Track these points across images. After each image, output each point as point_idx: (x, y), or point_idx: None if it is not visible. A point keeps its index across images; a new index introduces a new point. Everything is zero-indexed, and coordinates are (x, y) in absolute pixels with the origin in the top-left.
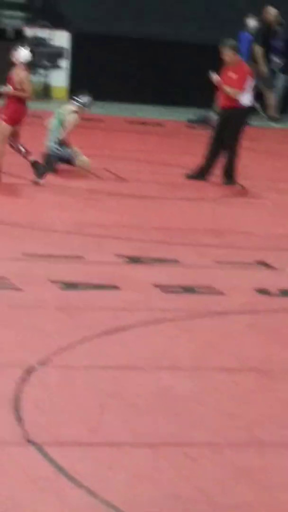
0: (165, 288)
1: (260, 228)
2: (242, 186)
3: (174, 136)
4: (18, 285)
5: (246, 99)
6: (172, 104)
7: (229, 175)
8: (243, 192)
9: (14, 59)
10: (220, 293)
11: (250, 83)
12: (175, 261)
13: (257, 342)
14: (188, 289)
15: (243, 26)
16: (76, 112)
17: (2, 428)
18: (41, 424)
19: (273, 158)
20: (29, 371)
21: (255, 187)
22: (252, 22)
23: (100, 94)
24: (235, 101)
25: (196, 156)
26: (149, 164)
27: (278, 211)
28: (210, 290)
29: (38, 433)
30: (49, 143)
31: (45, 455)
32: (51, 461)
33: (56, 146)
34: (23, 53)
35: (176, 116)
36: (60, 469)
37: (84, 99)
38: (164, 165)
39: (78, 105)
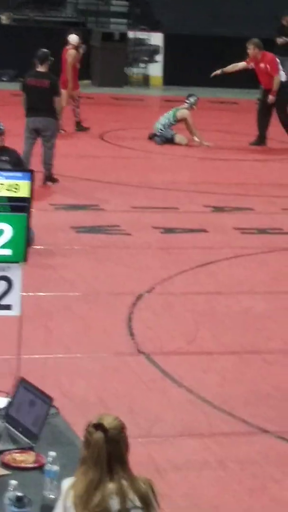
0: (243, 230)
1: None
2: None
3: (246, 112)
4: (128, 231)
5: (283, 76)
6: (244, 86)
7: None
8: None
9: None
10: (287, 233)
11: (277, 64)
12: (250, 209)
13: None
14: (262, 231)
15: None
16: (187, 109)
17: (118, 342)
18: (149, 338)
19: None
20: (138, 297)
21: None
22: None
23: (187, 80)
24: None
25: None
26: (228, 134)
27: None
28: (279, 231)
29: (147, 345)
30: (158, 125)
31: (153, 362)
32: (158, 367)
33: (162, 128)
34: (72, 37)
35: (247, 96)
36: (165, 373)
37: (192, 99)
38: (239, 135)
39: (188, 104)
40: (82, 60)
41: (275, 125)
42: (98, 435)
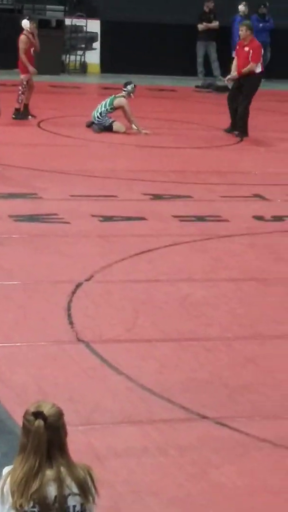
0: (182, 218)
1: (256, 168)
2: (238, 134)
3: (184, 99)
4: (66, 219)
5: (258, 67)
6: (183, 74)
7: (243, 129)
8: (239, 140)
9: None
10: (225, 220)
11: (261, 54)
12: (189, 197)
13: (255, 257)
14: (200, 218)
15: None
16: (124, 96)
17: (58, 330)
18: (88, 326)
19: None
20: (77, 286)
21: (250, 137)
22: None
23: (125, 68)
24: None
25: (202, 114)
26: (166, 122)
27: (270, 155)
28: (217, 219)
29: (86, 333)
30: (95, 113)
31: (92, 350)
32: (97, 354)
33: (99, 115)
34: (24, 22)
35: (186, 83)
36: (104, 360)
37: (129, 87)
38: (178, 122)
39: (126, 92)
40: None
41: (213, 112)
42: (38, 423)
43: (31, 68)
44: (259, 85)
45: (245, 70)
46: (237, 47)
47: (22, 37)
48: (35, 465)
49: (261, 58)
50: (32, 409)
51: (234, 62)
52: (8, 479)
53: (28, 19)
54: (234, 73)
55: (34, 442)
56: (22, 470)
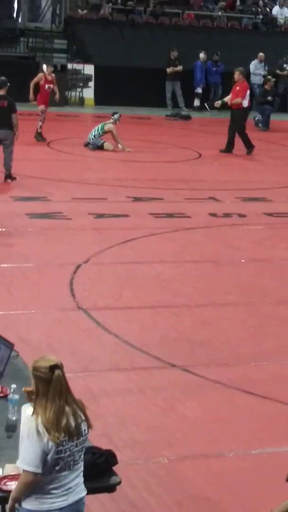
0: (156, 215)
1: (210, 177)
2: (248, 151)
3: (157, 125)
4: (69, 216)
5: (245, 102)
6: (155, 105)
7: (248, 144)
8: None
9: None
10: (188, 217)
11: (245, 92)
12: (161, 199)
13: (211, 245)
14: (170, 215)
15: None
16: (112, 123)
17: (63, 301)
18: (86, 297)
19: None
20: (77, 267)
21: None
22: (202, 55)
23: (113, 101)
24: (240, 104)
25: (171, 137)
26: (144, 142)
27: (221, 167)
28: (183, 215)
29: (84, 302)
30: (90, 136)
31: (89, 315)
32: (93, 319)
33: (93, 137)
34: (43, 66)
35: (158, 113)
36: (98, 323)
37: (116, 116)
38: (152, 142)
39: (113, 120)
40: (54, 84)
41: (179, 135)
42: (58, 372)
43: (31, 96)
44: (247, 115)
45: (234, 101)
46: (234, 86)
47: (39, 74)
48: (61, 405)
49: (246, 95)
50: (45, 364)
51: (229, 96)
52: (39, 420)
53: (45, 64)
54: (224, 100)
55: (57, 388)
56: (52, 410)
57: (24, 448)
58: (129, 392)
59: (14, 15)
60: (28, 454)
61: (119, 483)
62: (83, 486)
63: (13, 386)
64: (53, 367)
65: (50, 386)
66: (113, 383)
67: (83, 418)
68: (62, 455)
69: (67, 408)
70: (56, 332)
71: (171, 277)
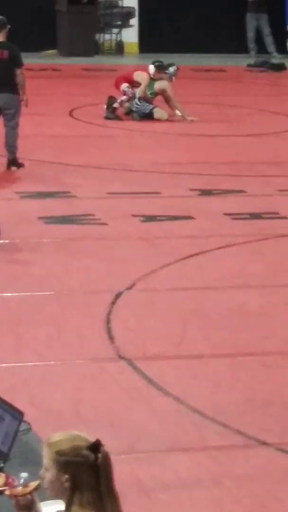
0: (234, 216)
1: None
2: None
3: (235, 80)
4: (104, 220)
5: None
6: (232, 51)
7: None
8: None
9: None
10: (284, 217)
11: None
12: (242, 192)
13: None
14: (255, 216)
15: None
16: (166, 80)
17: (96, 346)
18: (130, 341)
19: None
20: (117, 295)
21: None
22: None
23: (167, 47)
24: None
25: (256, 97)
26: (214, 106)
27: None
28: (275, 216)
29: (128, 349)
30: (133, 100)
31: (135, 368)
32: (141, 373)
33: (138, 101)
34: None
35: (236, 62)
36: (149, 380)
37: (171, 69)
38: (228, 107)
39: (168, 75)
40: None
41: (267, 94)
42: (103, 455)
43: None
44: None
45: None
46: None
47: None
48: (108, 503)
49: None
50: (82, 443)
51: None
52: None
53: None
54: None
55: (102, 477)
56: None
57: None
58: (198, 484)
59: None
60: None
61: None
62: None
63: (23, 475)
64: (94, 448)
65: (99, 476)
66: (174, 469)
67: None
68: None
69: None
70: (86, 394)
71: (259, 310)
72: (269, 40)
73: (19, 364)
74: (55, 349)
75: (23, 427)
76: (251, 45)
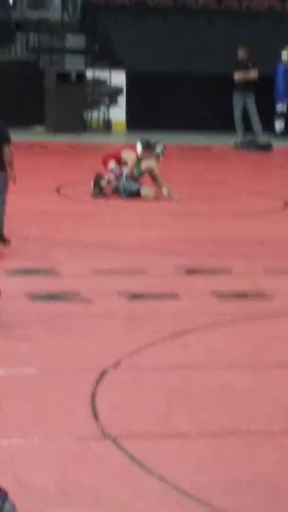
0: (220, 295)
1: None
2: None
3: (221, 159)
4: (89, 297)
5: None
6: (217, 130)
7: None
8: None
9: None
10: (270, 298)
11: None
12: (228, 271)
13: None
14: (241, 295)
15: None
16: (152, 159)
17: (81, 424)
18: (115, 420)
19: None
20: (102, 373)
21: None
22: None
23: (154, 125)
24: None
25: (243, 176)
26: (201, 185)
27: None
28: (260, 296)
29: (113, 427)
30: (121, 178)
31: (120, 447)
32: (125, 452)
33: (124, 180)
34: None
35: (221, 141)
36: (134, 459)
37: (158, 148)
38: (214, 185)
39: (155, 154)
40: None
41: (254, 174)
42: None
43: None
44: None
45: None
46: None
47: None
48: None
49: None
50: None
51: None
52: None
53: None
54: None
55: None
56: None
57: None
58: None
59: (9, 1)
60: None
61: None
62: None
63: None
64: None
65: None
66: None
67: None
68: None
69: None
70: (71, 472)
71: (244, 390)
72: (255, 120)
73: (2, 441)
74: (39, 426)
75: (6, 508)
76: (238, 124)
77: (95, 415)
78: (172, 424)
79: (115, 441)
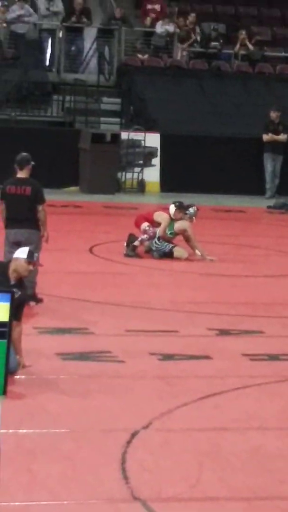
0: (252, 357)
1: None
2: None
3: (254, 221)
4: (121, 358)
5: None
6: (251, 193)
7: None
8: None
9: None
10: None
11: None
12: (260, 332)
13: None
14: (273, 357)
15: None
16: (186, 220)
17: (111, 486)
18: (145, 482)
19: None
20: (133, 434)
21: None
22: None
23: (187, 187)
24: None
25: (276, 238)
26: (234, 247)
27: None
28: None
29: (143, 490)
30: (153, 240)
31: (150, 510)
32: None
33: (158, 240)
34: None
35: (255, 203)
36: None
37: (191, 210)
38: (247, 247)
39: (188, 215)
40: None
41: (287, 236)
42: None
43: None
44: None
45: None
46: None
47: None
48: None
49: None
50: None
51: None
52: None
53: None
54: None
55: None
56: None
57: None
58: None
59: (46, 63)
60: None
61: None
62: None
63: None
64: None
65: None
66: None
67: None
68: None
69: None
70: None
71: (276, 452)
72: (275, 182)
73: (32, 502)
74: (69, 488)
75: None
76: (268, 185)
77: (125, 477)
78: (202, 487)
79: (144, 503)
